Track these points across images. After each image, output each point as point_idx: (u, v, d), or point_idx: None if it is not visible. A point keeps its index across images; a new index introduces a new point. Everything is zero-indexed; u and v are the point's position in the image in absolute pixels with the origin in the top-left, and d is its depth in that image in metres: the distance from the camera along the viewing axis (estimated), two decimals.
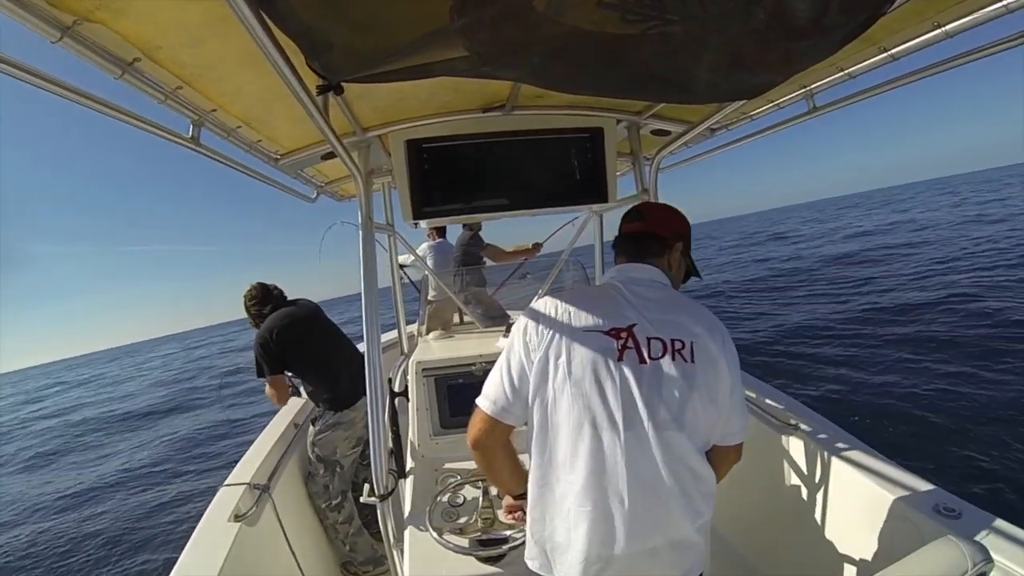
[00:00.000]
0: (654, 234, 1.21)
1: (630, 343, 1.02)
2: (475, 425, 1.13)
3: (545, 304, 1.11)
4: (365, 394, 1.59)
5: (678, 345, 1.03)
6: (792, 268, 17.14)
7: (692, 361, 1.03)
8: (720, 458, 1.14)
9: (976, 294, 9.35)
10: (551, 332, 1.05)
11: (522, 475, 1.23)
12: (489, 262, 4.27)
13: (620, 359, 1.01)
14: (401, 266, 3.35)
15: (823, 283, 13.52)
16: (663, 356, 1.02)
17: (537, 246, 3.95)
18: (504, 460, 1.18)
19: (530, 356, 1.06)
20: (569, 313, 1.06)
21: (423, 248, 4.29)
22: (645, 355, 1.02)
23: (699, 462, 1.04)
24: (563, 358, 1.02)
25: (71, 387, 31.31)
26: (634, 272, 1.15)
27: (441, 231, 4.55)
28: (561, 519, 1.03)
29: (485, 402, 1.11)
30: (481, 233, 4.32)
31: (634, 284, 1.12)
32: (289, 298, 2.87)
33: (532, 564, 1.11)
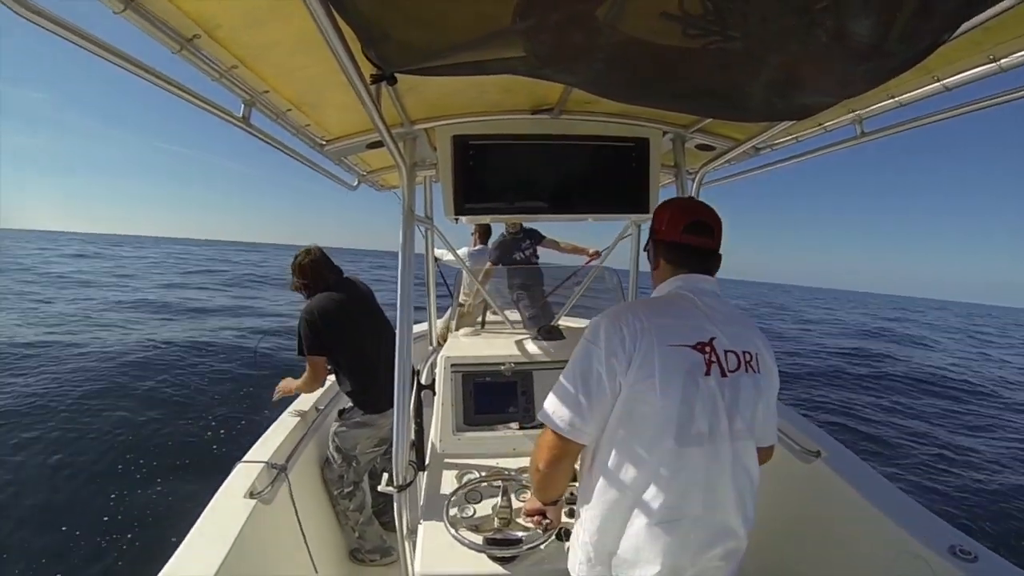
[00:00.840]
0: (718, 253, 1.20)
1: (713, 357, 1.03)
2: (547, 449, 1.07)
3: (626, 316, 1.06)
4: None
5: (747, 357, 1.07)
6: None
7: (760, 372, 1.09)
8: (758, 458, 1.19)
9: None
10: (638, 347, 1.01)
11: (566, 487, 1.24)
12: (544, 256, 4.24)
13: (707, 373, 1.02)
14: (436, 259, 3.37)
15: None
16: (738, 369, 1.05)
17: (596, 253, 3.92)
18: (567, 479, 1.16)
19: (614, 373, 1.02)
20: (653, 326, 1.03)
21: (462, 252, 4.28)
22: (725, 368, 1.04)
23: (755, 465, 1.11)
24: (655, 375, 1.00)
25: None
26: (702, 283, 1.15)
27: (485, 237, 4.53)
28: (632, 533, 1.03)
29: (558, 422, 1.04)
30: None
31: (704, 295, 1.12)
32: (343, 276, 2.68)
33: None
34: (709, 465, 1.02)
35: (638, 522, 1.02)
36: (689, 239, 1.16)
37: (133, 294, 15.97)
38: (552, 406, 1.06)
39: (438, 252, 3.42)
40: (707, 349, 1.03)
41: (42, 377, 6.84)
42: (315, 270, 2.57)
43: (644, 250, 1.28)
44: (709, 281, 1.16)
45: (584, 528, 1.11)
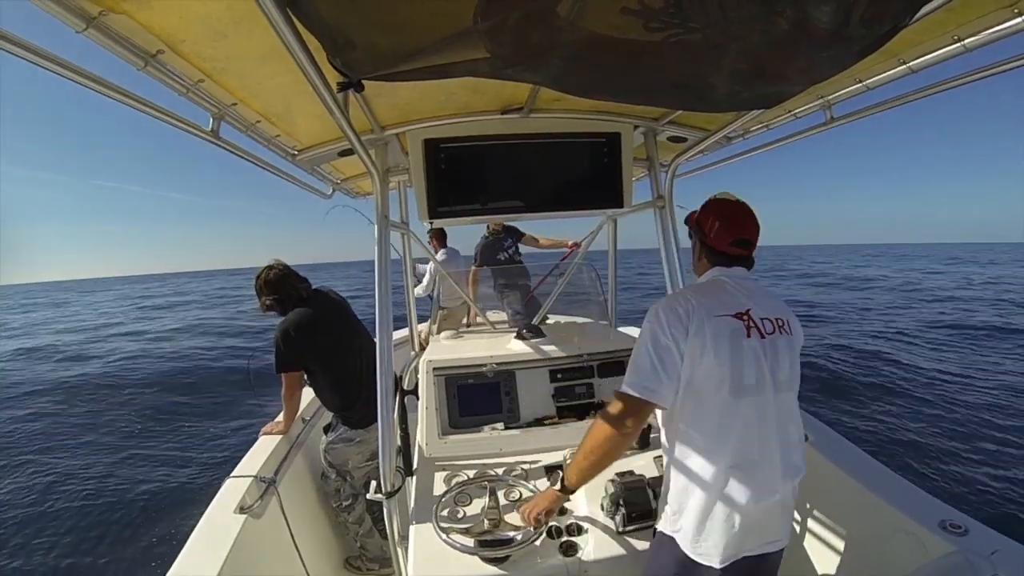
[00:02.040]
0: (752, 258, 1.40)
1: (751, 323, 1.24)
2: (626, 413, 1.21)
3: (678, 299, 1.27)
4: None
5: (780, 322, 1.28)
6: None
7: (791, 333, 1.30)
8: None
9: None
10: (692, 321, 1.21)
11: None
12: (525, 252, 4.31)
13: (748, 336, 1.22)
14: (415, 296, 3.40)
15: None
16: (774, 332, 1.26)
17: (576, 245, 3.94)
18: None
19: (678, 343, 1.20)
20: (701, 304, 1.23)
21: (438, 255, 4.34)
22: (763, 331, 1.24)
23: (798, 416, 1.30)
24: (707, 342, 1.19)
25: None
26: (737, 272, 1.35)
27: (442, 240, 4.61)
28: (704, 481, 1.20)
29: (634, 388, 1.19)
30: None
31: (739, 279, 1.33)
32: (312, 287, 2.55)
33: (676, 532, 1.24)
34: (760, 413, 1.20)
35: (709, 470, 1.20)
36: (734, 251, 1.34)
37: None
38: (630, 378, 1.22)
39: (418, 290, 3.46)
40: (745, 317, 1.24)
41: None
42: (283, 283, 2.44)
43: (689, 236, 1.46)
44: (739, 270, 1.35)
45: (671, 483, 1.28)
